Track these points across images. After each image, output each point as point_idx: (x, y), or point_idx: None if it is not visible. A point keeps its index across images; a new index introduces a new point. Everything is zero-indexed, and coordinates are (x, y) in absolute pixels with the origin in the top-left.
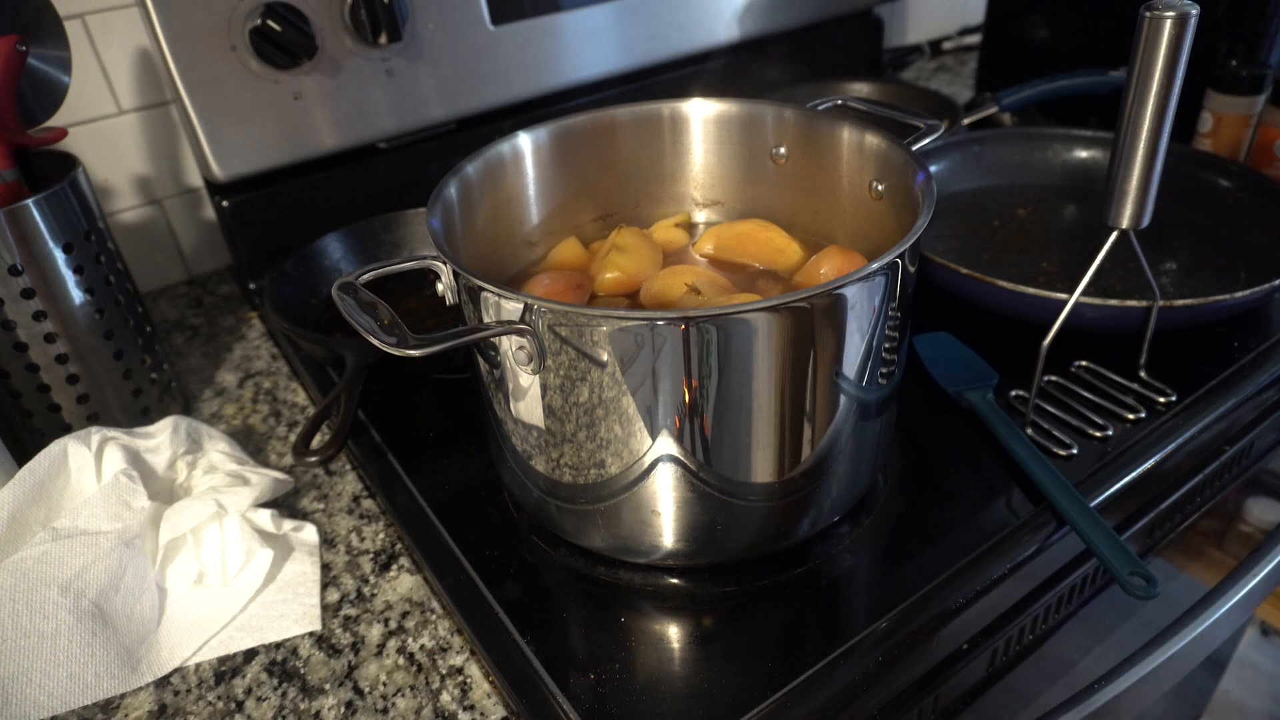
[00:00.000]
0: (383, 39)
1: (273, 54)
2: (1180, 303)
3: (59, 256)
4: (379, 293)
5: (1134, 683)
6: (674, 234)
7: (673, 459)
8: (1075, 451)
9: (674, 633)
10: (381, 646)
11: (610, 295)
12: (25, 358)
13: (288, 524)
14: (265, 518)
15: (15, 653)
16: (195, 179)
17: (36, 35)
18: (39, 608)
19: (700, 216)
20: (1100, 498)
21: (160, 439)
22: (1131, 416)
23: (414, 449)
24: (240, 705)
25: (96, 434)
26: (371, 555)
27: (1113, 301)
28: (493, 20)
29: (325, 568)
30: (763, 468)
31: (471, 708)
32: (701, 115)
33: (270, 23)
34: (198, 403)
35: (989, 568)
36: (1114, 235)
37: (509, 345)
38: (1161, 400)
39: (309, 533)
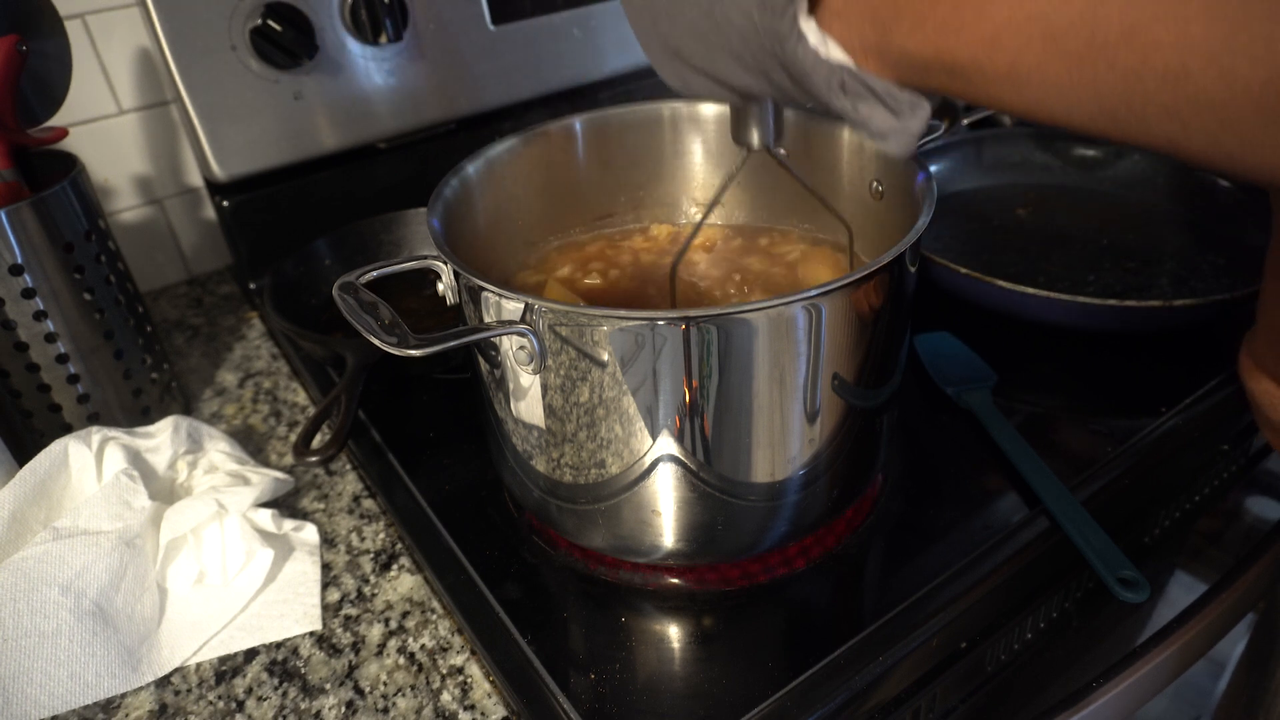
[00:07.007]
0: (383, 39)
1: (273, 54)
2: (1180, 303)
3: (59, 256)
4: (379, 293)
5: (1134, 682)
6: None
7: (673, 459)
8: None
9: (674, 633)
10: (382, 646)
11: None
12: (25, 358)
13: (288, 524)
14: (266, 517)
15: (16, 652)
16: (195, 179)
17: (36, 35)
18: (40, 607)
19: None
20: (1097, 498)
21: (161, 439)
22: (1132, 416)
23: (414, 449)
24: (241, 705)
25: (97, 434)
26: (372, 555)
27: (1112, 301)
28: (493, 20)
29: (326, 567)
30: (763, 468)
31: (472, 707)
32: (701, 115)
33: (270, 23)
34: (198, 403)
35: (989, 568)
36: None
37: (509, 345)
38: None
39: (309, 533)
